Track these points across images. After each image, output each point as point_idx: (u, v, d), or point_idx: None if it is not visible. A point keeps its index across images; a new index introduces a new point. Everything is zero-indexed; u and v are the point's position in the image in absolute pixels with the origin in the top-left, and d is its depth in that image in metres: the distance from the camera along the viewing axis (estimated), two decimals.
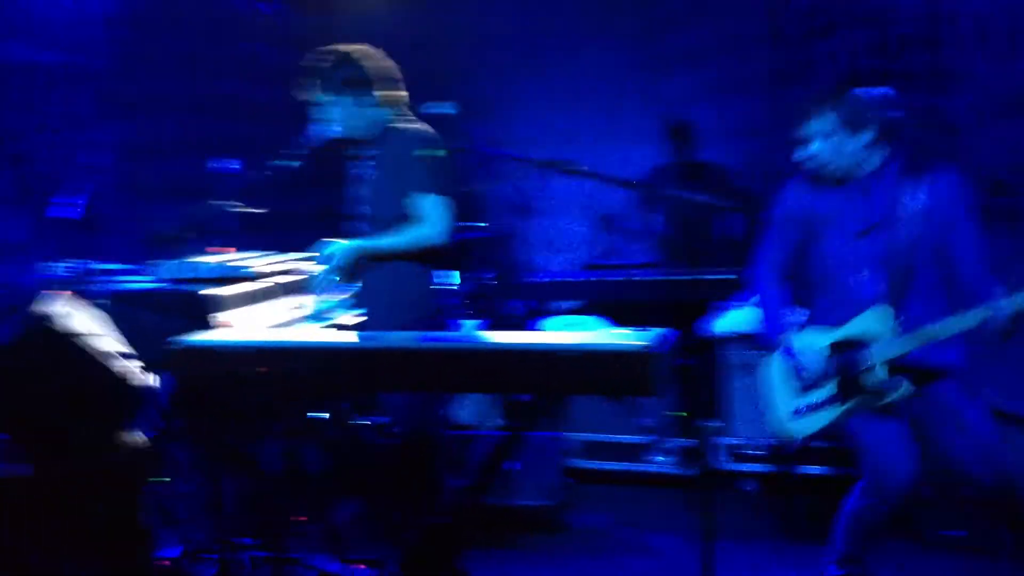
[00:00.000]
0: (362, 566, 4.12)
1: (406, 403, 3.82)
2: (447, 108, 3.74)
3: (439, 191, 3.72)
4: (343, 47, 3.87)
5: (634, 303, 5.47)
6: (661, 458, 5.17)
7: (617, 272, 5.68)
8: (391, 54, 3.94)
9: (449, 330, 3.93)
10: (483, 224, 6.01)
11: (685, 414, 5.18)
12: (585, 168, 2.99)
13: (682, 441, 5.13)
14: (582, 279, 5.74)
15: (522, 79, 7.59)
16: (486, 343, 2.99)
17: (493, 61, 7.58)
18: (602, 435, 5.25)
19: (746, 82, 6.93)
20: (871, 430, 3.38)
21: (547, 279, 5.83)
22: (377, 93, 3.82)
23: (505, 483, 4.59)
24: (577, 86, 7.54)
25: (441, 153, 3.76)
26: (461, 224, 5.07)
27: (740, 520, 4.61)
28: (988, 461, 3.30)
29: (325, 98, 3.84)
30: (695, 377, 4.78)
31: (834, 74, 6.02)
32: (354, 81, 3.80)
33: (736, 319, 4.87)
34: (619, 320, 4.67)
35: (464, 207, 4.05)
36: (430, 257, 3.82)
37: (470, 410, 5.31)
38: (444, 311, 3.91)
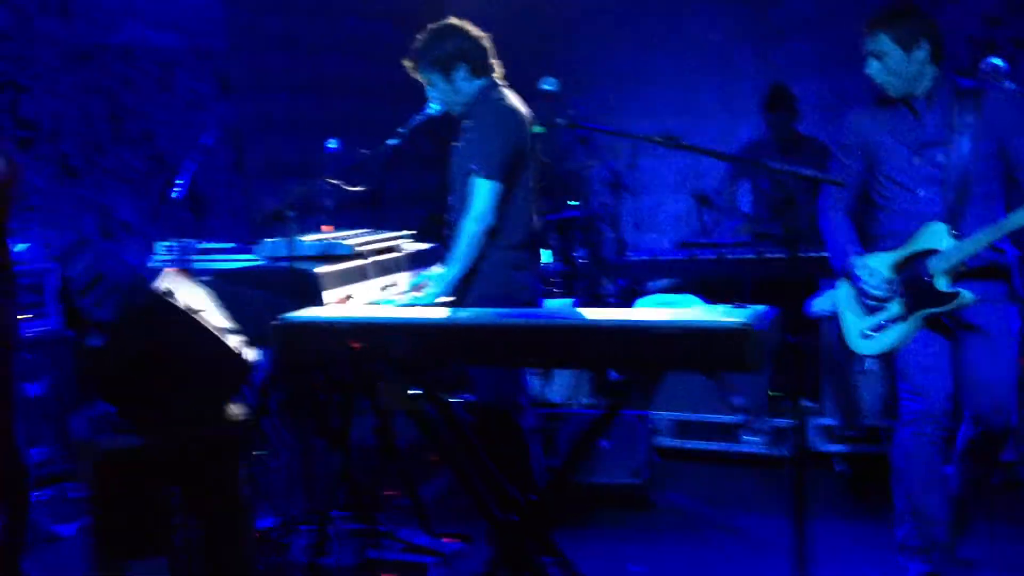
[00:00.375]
0: (450, 540, 4.21)
1: (493, 379, 3.84)
2: (550, 84, 3.71)
3: (488, 174, 3.67)
4: (430, 27, 3.88)
5: (730, 282, 5.44)
6: (752, 438, 5.15)
7: (712, 250, 5.64)
8: (495, 28, 3.93)
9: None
10: (576, 203, 6.04)
11: (778, 394, 5.16)
12: (688, 143, 2.97)
13: (774, 421, 5.10)
14: (676, 258, 5.71)
15: (625, 51, 7.46)
16: (584, 319, 3.02)
17: (596, 33, 7.48)
18: (692, 414, 5.25)
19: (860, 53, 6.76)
20: (917, 351, 3.47)
21: (640, 258, 5.82)
22: (468, 67, 3.81)
23: (593, 461, 4.64)
24: (681, 57, 7.38)
25: (511, 131, 3.73)
26: (554, 203, 5.13)
27: (832, 501, 4.58)
28: (1002, 401, 3.44)
29: (423, 76, 3.87)
30: (792, 357, 4.74)
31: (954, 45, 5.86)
32: (444, 57, 3.79)
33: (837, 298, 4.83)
34: (714, 300, 4.66)
35: (559, 186, 4.06)
36: (520, 241, 3.82)
37: (559, 388, 5.36)
38: (535, 293, 3.90)
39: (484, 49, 3.85)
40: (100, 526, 3.30)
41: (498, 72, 3.89)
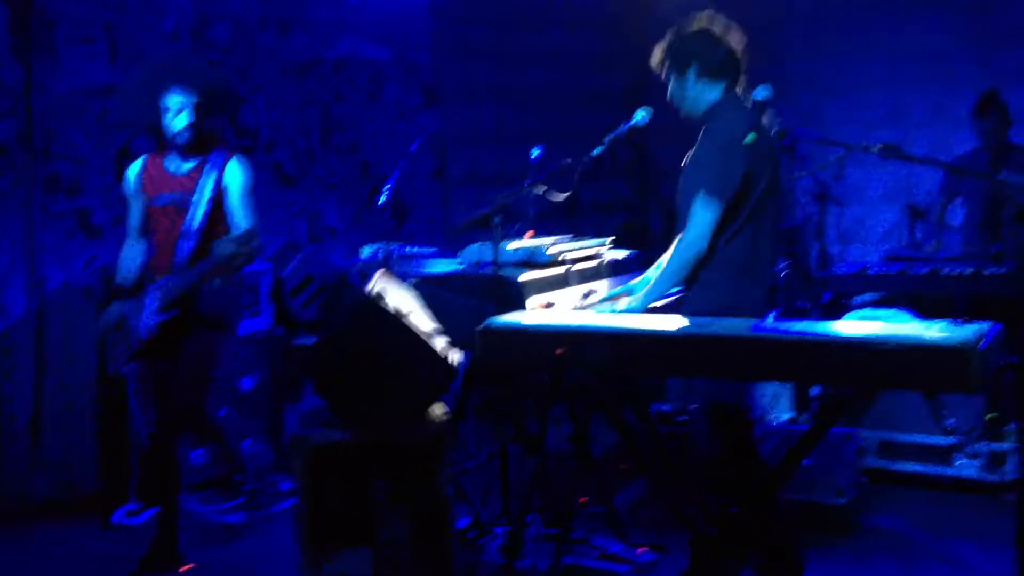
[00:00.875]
0: (644, 549, 4.16)
1: (703, 389, 3.74)
2: (762, 93, 3.54)
3: (713, 193, 3.45)
4: (701, 24, 3.69)
5: (942, 297, 5.18)
6: (966, 461, 4.88)
7: (925, 264, 5.38)
8: None
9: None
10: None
11: (995, 415, 4.87)
12: (906, 152, 2.83)
13: (990, 444, 4.82)
14: (886, 271, 5.48)
15: (833, 58, 7.22)
16: (797, 332, 2.92)
17: (805, 39, 7.27)
18: (901, 434, 5.02)
19: None
20: None
21: (848, 271, 5.62)
22: (698, 67, 3.61)
23: (796, 478, 4.49)
24: (893, 64, 7.08)
25: (740, 147, 3.51)
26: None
27: None
28: None
29: (676, 74, 3.68)
30: (1012, 377, 4.47)
31: None
32: (676, 55, 3.64)
33: None
34: (925, 315, 4.45)
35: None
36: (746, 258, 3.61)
37: (759, 401, 5.23)
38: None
39: (726, 52, 3.63)
40: (309, 517, 3.43)
41: (742, 83, 3.69)
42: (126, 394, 4.78)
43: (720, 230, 3.50)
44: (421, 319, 3.49)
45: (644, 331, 3.10)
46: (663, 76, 3.74)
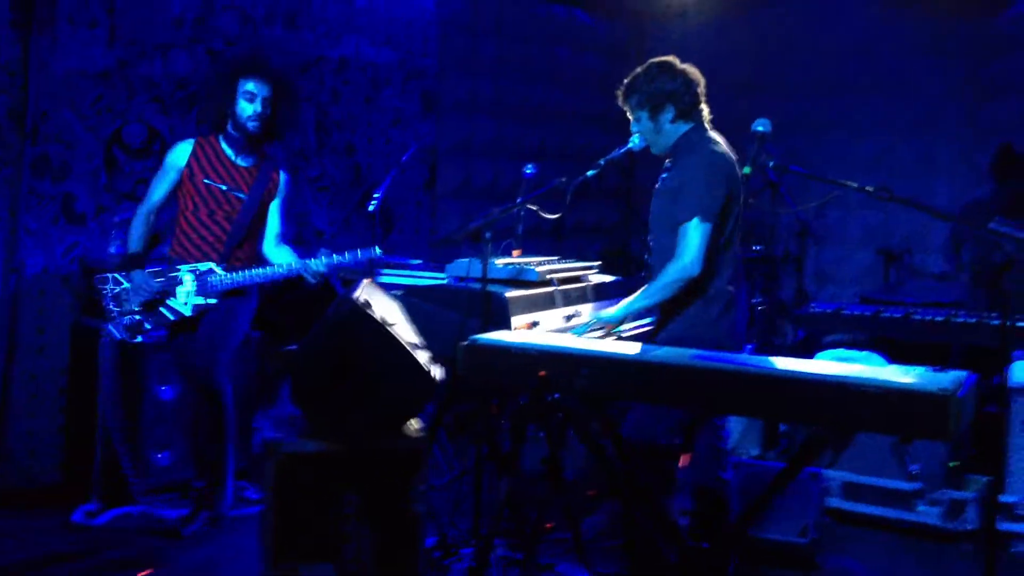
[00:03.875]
0: None
1: (651, 418, 3.76)
2: (762, 126, 3.60)
3: (702, 219, 3.57)
4: (649, 62, 3.82)
5: (915, 342, 5.24)
6: (928, 508, 4.93)
7: (899, 308, 5.45)
8: (702, 66, 3.87)
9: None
10: (759, 247, 5.94)
11: (957, 463, 4.93)
12: (899, 196, 2.89)
13: (952, 492, 4.88)
14: (861, 313, 5.54)
15: (824, 98, 7.28)
16: (777, 369, 2.95)
17: (807, 76, 7.32)
18: (865, 477, 5.06)
19: None
20: None
21: (823, 309, 5.67)
22: (676, 109, 3.74)
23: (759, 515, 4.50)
24: (883, 109, 7.13)
25: (722, 176, 3.64)
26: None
27: None
28: None
29: (630, 113, 3.84)
30: (978, 427, 4.53)
31: None
32: (652, 97, 3.74)
33: None
34: (896, 359, 4.49)
35: (745, 228, 3.96)
36: (723, 286, 3.72)
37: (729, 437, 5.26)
38: (737, 340, 3.79)
39: (696, 93, 3.77)
40: (274, 526, 3.37)
41: (706, 114, 3.82)
42: (94, 385, 4.76)
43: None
44: (405, 331, 3.48)
45: (622, 356, 3.12)
46: (630, 114, 3.82)
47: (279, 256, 4.53)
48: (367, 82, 6.53)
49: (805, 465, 3.12)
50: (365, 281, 3.56)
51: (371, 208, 4.63)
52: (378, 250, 4.29)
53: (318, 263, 4.33)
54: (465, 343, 3.24)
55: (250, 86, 4.33)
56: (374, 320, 3.25)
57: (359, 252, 4.32)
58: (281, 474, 3.36)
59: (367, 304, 3.29)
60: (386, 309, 3.45)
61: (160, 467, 4.98)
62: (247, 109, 4.34)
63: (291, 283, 5.58)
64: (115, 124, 5.23)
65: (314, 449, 3.37)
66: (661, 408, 3.66)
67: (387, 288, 4.02)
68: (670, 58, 3.81)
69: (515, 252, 4.45)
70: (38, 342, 5.13)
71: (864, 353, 5.08)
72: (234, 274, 4.35)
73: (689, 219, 3.56)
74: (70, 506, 4.79)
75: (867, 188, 3.05)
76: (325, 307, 3.60)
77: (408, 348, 3.29)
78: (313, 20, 6.23)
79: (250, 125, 4.35)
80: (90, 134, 5.15)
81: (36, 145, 5.06)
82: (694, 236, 3.55)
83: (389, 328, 3.27)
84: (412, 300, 3.99)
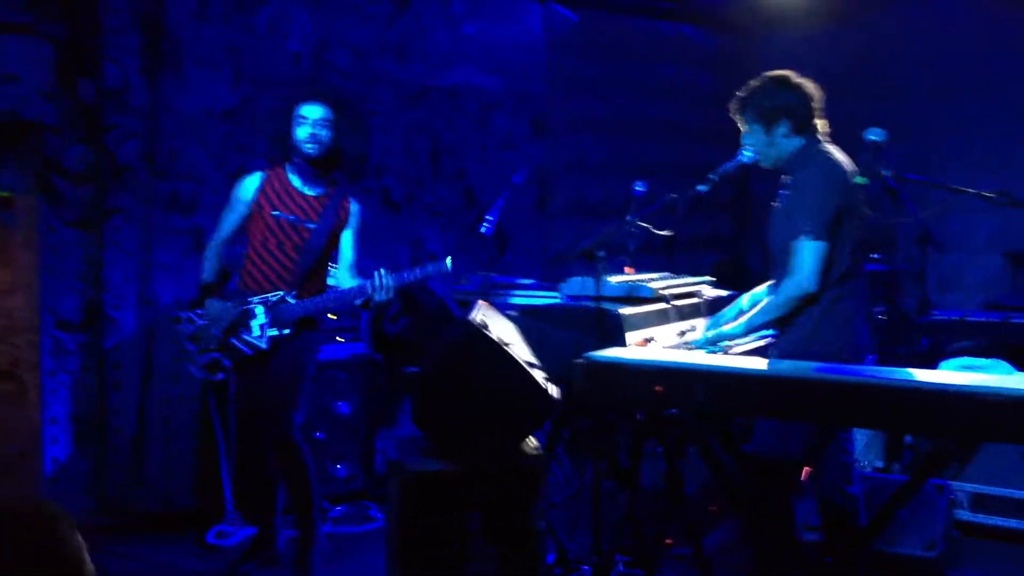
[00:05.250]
0: None
1: (780, 432, 3.72)
2: (876, 135, 3.55)
3: (815, 236, 3.54)
4: (765, 75, 3.80)
5: None
6: None
7: None
8: (811, 76, 3.83)
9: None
10: (878, 256, 5.83)
11: None
12: (1019, 200, 2.82)
13: None
14: (986, 319, 5.38)
15: (955, 103, 7.03)
16: (900, 380, 2.91)
17: (920, 81, 7.12)
18: (993, 488, 4.91)
19: None
20: None
21: (947, 317, 5.53)
22: (791, 123, 3.71)
23: (888, 529, 4.42)
24: (1016, 111, 6.85)
25: (835, 190, 3.59)
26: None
27: None
28: None
29: (743, 125, 3.82)
30: None
31: None
32: (767, 111, 3.72)
33: None
34: (1023, 366, 4.37)
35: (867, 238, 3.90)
36: (845, 297, 3.67)
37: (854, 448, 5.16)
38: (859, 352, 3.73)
39: (812, 108, 3.73)
40: (401, 544, 3.46)
41: (822, 128, 3.78)
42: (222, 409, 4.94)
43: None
44: (521, 351, 3.53)
45: (740, 370, 3.11)
46: (743, 126, 3.81)
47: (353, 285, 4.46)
48: (477, 108, 6.64)
49: (929, 477, 3.08)
50: (481, 303, 3.63)
51: (484, 230, 4.68)
52: (449, 263, 4.21)
53: (385, 280, 4.23)
54: (580, 360, 3.27)
55: (304, 111, 4.35)
56: (491, 340, 3.31)
57: (429, 267, 4.28)
58: (406, 494, 3.43)
59: (484, 325, 3.36)
60: (502, 329, 3.51)
61: (338, 478, 5.34)
62: (301, 133, 4.35)
63: (408, 307, 5.73)
64: (241, 159, 5.43)
65: (437, 468, 3.43)
66: (785, 423, 3.64)
67: (502, 308, 4.08)
68: (786, 72, 3.78)
69: (628, 269, 4.47)
70: (172, 370, 5.35)
71: (990, 361, 4.94)
72: (305, 302, 4.32)
73: (801, 236, 3.54)
74: (206, 528, 4.99)
75: (986, 193, 2.99)
76: (442, 329, 3.67)
77: (525, 367, 3.35)
78: (423, 51, 6.36)
79: (306, 148, 4.35)
80: (218, 170, 5.38)
81: (167, 183, 5.31)
82: (807, 253, 3.54)
83: (506, 348, 3.33)
84: (527, 320, 4.04)
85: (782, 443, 3.62)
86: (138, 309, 5.29)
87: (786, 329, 3.68)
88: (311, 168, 4.41)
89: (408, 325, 5.66)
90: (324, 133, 4.37)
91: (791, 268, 3.57)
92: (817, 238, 3.53)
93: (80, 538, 1.81)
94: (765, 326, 3.77)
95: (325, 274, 4.51)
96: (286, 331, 4.30)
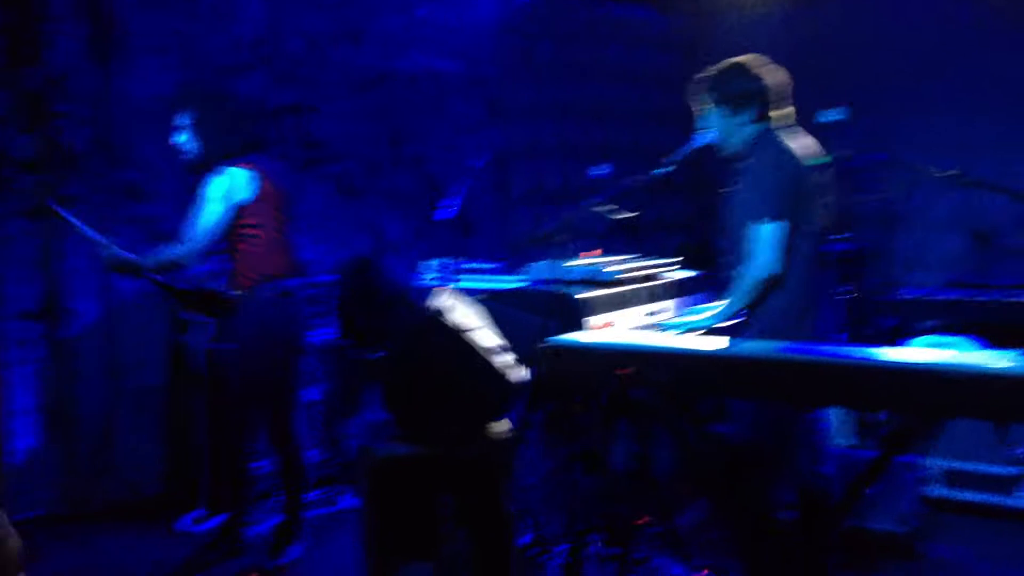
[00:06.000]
0: (705, 572, 4.14)
1: (756, 413, 3.73)
2: (837, 114, 3.55)
3: (773, 218, 3.53)
4: (734, 60, 3.76)
5: (1010, 327, 5.10)
6: None
7: (991, 292, 5.31)
8: (772, 56, 3.80)
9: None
10: (845, 236, 5.83)
11: None
12: (976, 179, 2.81)
13: None
14: (952, 298, 5.41)
15: (913, 82, 7.08)
16: (865, 358, 2.91)
17: (881, 61, 7.15)
18: (964, 463, 4.95)
19: None
20: None
21: (912, 296, 5.55)
22: (754, 109, 3.69)
23: (857, 505, 4.43)
24: (975, 91, 6.91)
25: (788, 174, 3.58)
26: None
27: None
28: None
29: (706, 107, 3.79)
30: None
31: None
32: (734, 97, 3.69)
33: None
34: (991, 345, 4.39)
35: (830, 218, 3.90)
36: (803, 283, 3.67)
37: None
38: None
39: (779, 95, 3.71)
40: (373, 529, 3.44)
41: (789, 113, 3.75)
42: (193, 401, 4.89)
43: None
44: (488, 335, 3.51)
45: (705, 352, 3.11)
46: (705, 110, 3.78)
47: None
48: (434, 93, 6.59)
49: (896, 454, 3.07)
50: (445, 287, 3.60)
51: (447, 216, 4.65)
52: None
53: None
54: (542, 345, 3.27)
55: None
56: (451, 326, 3.29)
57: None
58: (375, 478, 3.42)
59: (446, 310, 3.33)
60: (467, 314, 3.48)
61: (309, 464, 5.15)
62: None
63: (371, 290, 5.70)
64: None
65: (406, 453, 3.42)
66: (755, 404, 3.64)
67: (466, 293, 4.05)
68: (755, 57, 3.75)
69: (594, 252, 4.45)
70: (137, 359, 5.28)
71: (958, 338, 4.97)
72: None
73: (760, 220, 3.54)
74: (175, 516, 4.97)
75: (948, 172, 2.98)
76: (407, 315, 3.64)
77: (490, 352, 3.33)
78: (377, 36, 6.30)
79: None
80: (172, 158, 5.29)
81: (122, 171, 5.23)
82: (767, 236, 3.54)
83: (467, 333, 3.30)
84: (493, 304, 4.01)
85: (756, 425, 3.64)
86: (99, 298, 5.21)
87: (752, 313, 3.68)
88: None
89: (373, 311, 5.63)
90: (183, 139, 4.40)
91: (753, 253, 3.57)
92: (775, 219, 3.53)
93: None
94: (737, 313, 3.74)
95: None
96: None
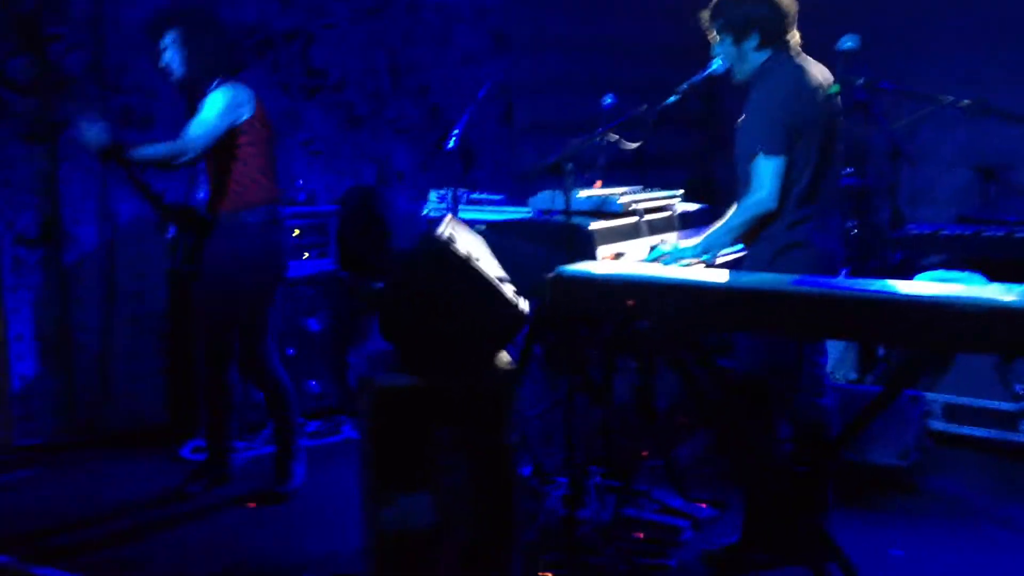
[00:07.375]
0: (704, 505, 4.17)
1: (762, 349, 3.69)
2: (851, 42, 3.45)
3: (769, 151, 3.46)
4: None
5: (1016, 261, 5.08)
6: None
7: (997, 227, 5.28)
8: None
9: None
10: (850, 170, 5.77)
11: None
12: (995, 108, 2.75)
13: None
14: (959, 233, 5.38)
15: (924, 9, 6.85)
16: (872, 291, 2.87)
17: None
18: (967, 399, 4.95)
19: None
20: None
21: (920, 231, 5.51)
22: (761, 37, 3.58)
23: (862, 439, 4.45)
24: (989, 25, 6.68)
25: (791, 103, 3.48)
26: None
27: None
28: None
29: (714, 34, 3.70)
30: None
31: None
32: (738, 23, 3.59)
33: None
34: (998, 279, 4.35)
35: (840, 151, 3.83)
36: (807, 214, 3.58)
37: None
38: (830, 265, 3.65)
39: (784, 21, 3.59)
40: (373, 458, 3.44)
41: (794, 41, 3.65)
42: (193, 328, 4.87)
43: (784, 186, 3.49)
44: (490, 265, 3.48)
45: (713, 284, 3.07)
46: (713, 38, 3.69)
47: None
48: (438, 22, 6.47)
49: (904, 388, 3.07)
50: (448, 217, 3.56)
51: (449, 146, 4.58)
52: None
53: None
54: (551, 275, 3.23)
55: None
56: (457, 255, 3.25)
57: None
58: (376, 408, 3.40)
59: (450, 239, 3.29)
60: (470, 244, 3.45)
61: (311, 394, 5.38)
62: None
63: (372, 220, 5.66)
64: None
65: (406, 383, 3.40)
66: (760, 337, 3.61)
67: (470, 224, 4.02)
68: None
69: (597, 183, 4.40)
70: (137, 287, 5.26)
71: (965, 273, 4.94)
72: None
73: (757, 153, 3.48)
74: (178, 444, 5.01)
75: (963, 102, 2.91)
76: (409, 244, 3.61)
77: (493, 282, 3.29)
78: None
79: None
80: (170, 83, 5.22)
81: (118, 96, 5.15)
82: (764, 170, 3.48)
83: (473, 262, 3.27)
84: (496, 235, 3.97)
85: (759, 358, 3.61)
86: (98, 224, 5.17)
87: (754, 245, 3.63)
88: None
89: (373, 241, 5.61)
90: (168, 59, 4.35)
91: (752, 186, 3.52)
92: (772, 154, 3.46)
93: None
94: (724, 245, 3.69)
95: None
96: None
